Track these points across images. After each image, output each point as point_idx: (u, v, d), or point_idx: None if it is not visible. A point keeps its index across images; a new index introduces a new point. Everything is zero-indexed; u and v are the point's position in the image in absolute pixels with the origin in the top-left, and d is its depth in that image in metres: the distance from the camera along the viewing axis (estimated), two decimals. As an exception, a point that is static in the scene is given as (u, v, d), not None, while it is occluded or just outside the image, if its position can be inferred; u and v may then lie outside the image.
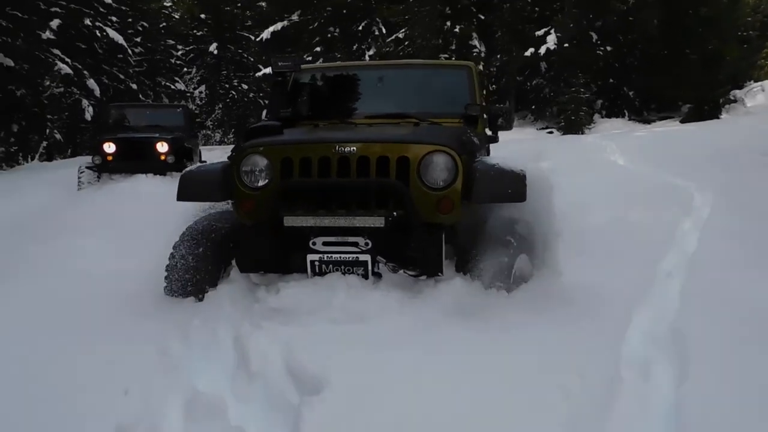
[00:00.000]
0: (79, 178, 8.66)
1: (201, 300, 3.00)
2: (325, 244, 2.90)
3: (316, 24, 20.44)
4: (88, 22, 20.37)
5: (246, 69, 26.93)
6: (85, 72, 19.60)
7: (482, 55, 18.36)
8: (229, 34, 27.56)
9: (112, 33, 21.28)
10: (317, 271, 2.91)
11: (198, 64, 28.00)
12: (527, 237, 3.12)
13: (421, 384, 2.01)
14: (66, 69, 18.28)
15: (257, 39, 21.42)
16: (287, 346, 2.27)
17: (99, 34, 20.96)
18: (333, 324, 2.54)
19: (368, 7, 19.90)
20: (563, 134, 17.40)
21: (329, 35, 20.39)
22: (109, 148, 8.72)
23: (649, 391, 2.24)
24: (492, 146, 4.62)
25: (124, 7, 22.78)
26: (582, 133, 17.36)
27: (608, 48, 19.62)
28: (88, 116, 19.13)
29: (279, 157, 3.03)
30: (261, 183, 3.04)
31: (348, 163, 2.92)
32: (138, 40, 23.35)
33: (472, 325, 2.53)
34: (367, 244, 2.87)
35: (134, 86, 21.99)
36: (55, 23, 19.44)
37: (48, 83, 18.87)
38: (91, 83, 19.58)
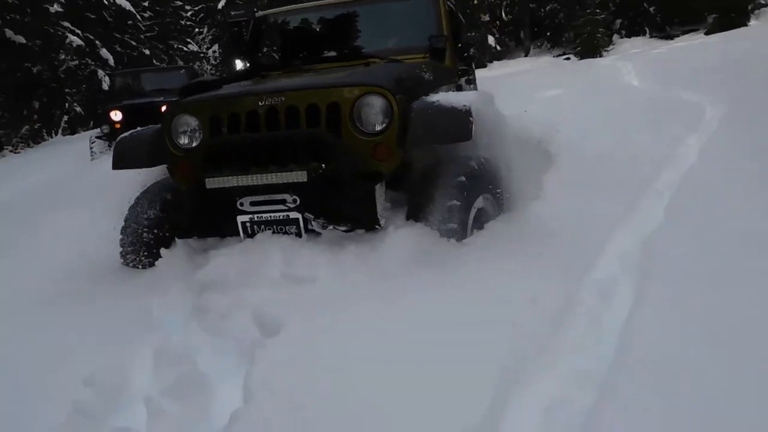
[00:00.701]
0: (90, 148, 8.79)
1: (151, 265, 2.87)
2: (253, 204, 2.71)
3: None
4: (96, -11, 20.24)
5: (257, 23, 26.47)
6: (97, 42, 19.62)
7: (492, -16, 17.66)
8: (238, -11, 27.03)
9: (119, 0, 21.13)
10: (249, 232, 2.73)
11: (208, 23, 27.70)
12: (487, 175, 2.92)
13: (362, 329, 1.99)
14: (78, 41, 18.33)
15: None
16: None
17: (106, 2, 20.82)
18: (273, 290, 2.37)
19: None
20: (580, 59, 16.76)
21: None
22: (116, 116, 8.79)
23: (603, 313, 2.20)
24: (491, 79, 4.43)
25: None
26: (600, 56, 16.68)
27: (625, -38, 18.57)
28: (105, 86, 19.24)
29: (207, 115, 2.87)
30: (194, 144, 2.90)
31: (277, 116, 2.74)
32: (146, 4, 23.13)
33: (420, 271, 2.39)
34: (295, 200, 2.67)
35: (147, 52, 21.94)
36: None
37: (63, 57, 19.00)
38: (104, 53, 19.62)
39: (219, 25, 27.61)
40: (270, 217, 2.68)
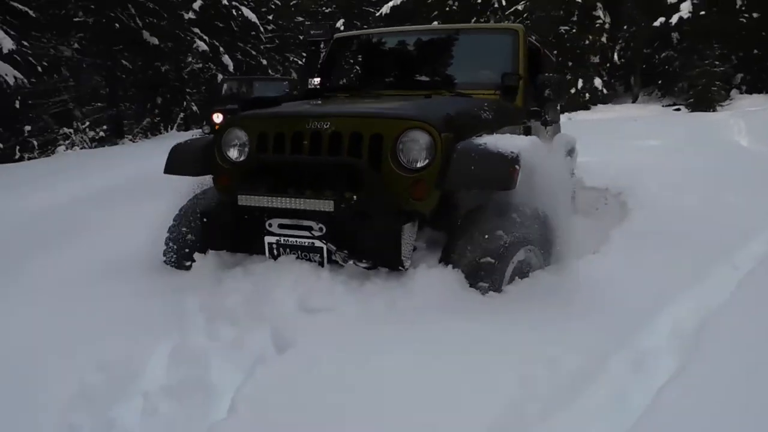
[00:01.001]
0: (191, 145, 9.32)
1: (187, 269, 2.88)
2: (281, 226, 2.64)
3: (434, -2, 20.14)
4: (225, 2, 21.60)
5: (369, 44, 27.21)
6: (221, 48, 20.87)
7: (606, 26, 17.09)
8: (357, 10, 27.98)
9: (246, 12, 22.43)
10: (274, 254, 2.67)
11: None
12: (533, 226, 2.72)
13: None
14: (203, 46, 19.62)
15: (377, 14, 21.54)
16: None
17: (235, 13, 22.17)
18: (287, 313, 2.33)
19: (489, -22, 19.24)
20: (691, 111, 15.82)
21: (447, 8, 20.00)
22: (217, 118, 9.30)
23: (630, 385, 2.01)
24: (591, 122, 4.22)
25: (259, -13, 23.91)
26: (713, 111, 15.68)
27: (754, 15, 17.40)
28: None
29: (256, 132, 2.84)
30: (241, 158, 2.89)
31: (321, 140, 2.66)
32: (270, 17, 24.43)
33: (439, 316, 2.26)
34: (321, 229, 2.57)
35: (264, 62, 23.11)
36: (197, 4, 20.84)
37: (189, 60, 20.39)
38: (226, 59, 20.84)
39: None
40: (296, 242, 2.62)
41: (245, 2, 23.03)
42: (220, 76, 21.56)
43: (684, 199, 5.14)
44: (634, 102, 17.39)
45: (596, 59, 17.01)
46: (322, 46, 3.96)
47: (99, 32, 15.87)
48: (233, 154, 2.91)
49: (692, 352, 2.25)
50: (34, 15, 14.11)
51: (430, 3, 20.27)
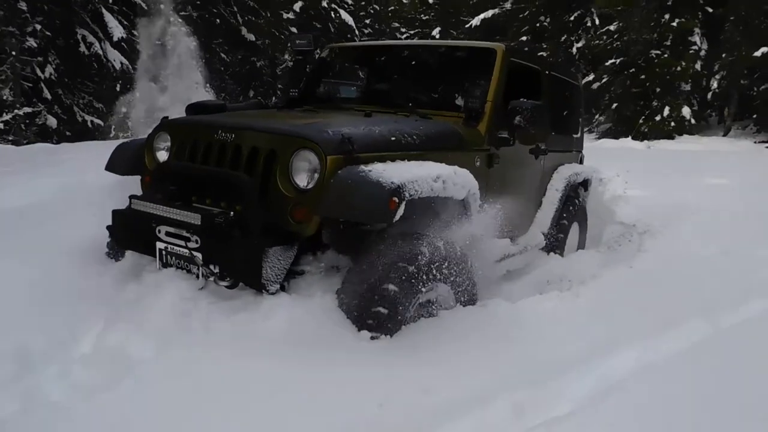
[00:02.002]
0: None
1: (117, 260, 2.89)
2: (167, 234, 2.55)
3: (527, 13, 19.57)
4: (324, 4, 22.17)
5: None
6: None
7: (702, 53, 15.88)
8: (454, 19, 27.78)
9: (344, 15, 22.91)
10: (164, 261, 2.59)
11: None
12: (446, 261, 2.55)
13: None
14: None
15: (467, 26, 21.28)
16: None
17: (333, 15, 22.71)
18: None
19: (585, -4, 18.47)
20: (788, 150, 14.35)
21: (538, 24, 19.40)
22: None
23: None
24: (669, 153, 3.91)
25: (359, -9, 24.35)
26: (813, 151, 14.15)
27: None
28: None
29: (178, 138, 2.83)
30: (161, 161, 2.88)
31: (225, 152, 2.61)
32: (367, 21, 24.80)
33: (283, 350, 2.15)
34: (196, 241, 2.45)
35: (356, 64, 23.52)
36: (297, 5, 21.52)
37: (283, 57, 21.12)
38: (319, 58, 21.43)
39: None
40: (179, 251, 2.53)
41: (344, 5, 23.52)
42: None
43: (707, 247, 4.69)
44: (725, 135, 16.05)
45: (687, 87, 15.86)
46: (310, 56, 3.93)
47: (201, 27, 16.74)
48: (160, 157, 2.91)
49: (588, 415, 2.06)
50: (145, 7, 15.15)
51: (522, 18, 19.75)
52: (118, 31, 13.93)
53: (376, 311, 2.35)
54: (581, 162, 5.06)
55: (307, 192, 2.42)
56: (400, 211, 2.30)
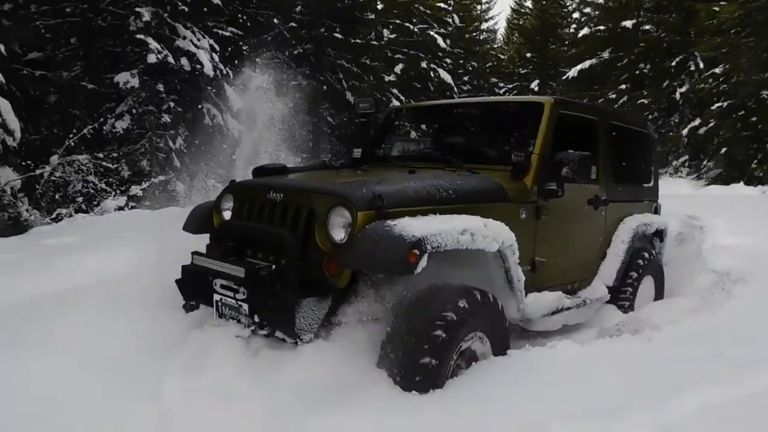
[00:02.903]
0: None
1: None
2: (222, 287, 2.74)
3: (625, 61, 19.11)
4: (424, 65, 23.02)
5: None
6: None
7: (822, 90, 14.60)
8: (552, 71, 27.66)
9: (443, 73, 23.62)
10: (219, 311, 2.78)
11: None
12: (479, 309, 2.64)
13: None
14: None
15: (564, 77, 21.10)
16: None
17: (432, 75, 23.48)
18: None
19: (686, 41, 17.76)
20: None
21: (638, 72, 18.84)
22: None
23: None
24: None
25: (457, 50, 25.03)
26: None
27: None
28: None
29: (239, 199, 3.05)
30: (225, 220, 3.12)
31: (275, 210, 2.81)
32: (465, 78, 25.35)
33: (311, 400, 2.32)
34: (243, 292, 2.62)
35: (455, 119, 23.99)
36: (398, 68, 22.53)
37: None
38: (419, 117, 22.13)
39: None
40: (230, 302, 2.70)
41: (443, 64, 24.25)
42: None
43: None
44: None
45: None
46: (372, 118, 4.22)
47: (310, 92, 18.02)
48: (225, 216, 3.14)
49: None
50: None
51: (620, 66, 19.30)
52: (237, 103, 15.40)
53: (424, 362, 2.42)
54: (657, 212, 4.94)
55: (341, 246, 2.57)
56: (423, 263, 2.40)
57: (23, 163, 11.93)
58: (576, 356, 3.00)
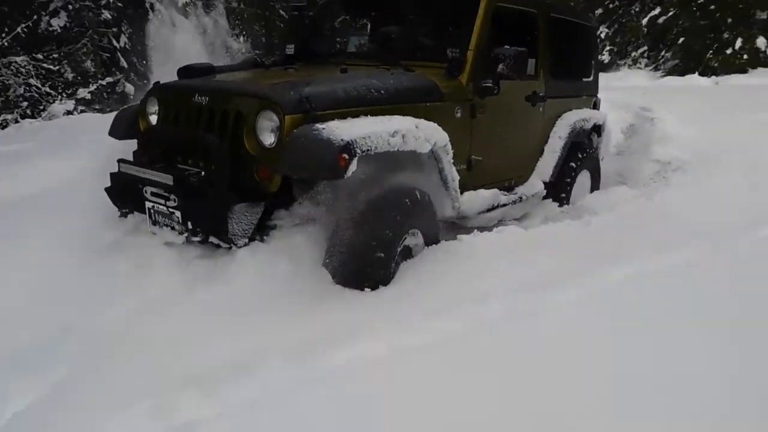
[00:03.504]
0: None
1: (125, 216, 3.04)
2: (152, 194, 2.69)
3: (589, -54, 18.17)
4: None
5: None
6: None
7: (781, -23, 14.30)
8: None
9: None
10: (152, 219, 2.74)
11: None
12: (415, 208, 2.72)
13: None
14: None
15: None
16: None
17: None
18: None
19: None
20: None
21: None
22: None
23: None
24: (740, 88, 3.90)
25: None
26: None
27: None
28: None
29: (164, 102, 2.94)
30: (151, 125, 3.01)
31: (200, 114, 2.72)
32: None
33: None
34: (174, 200, 2.58)
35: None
36: None
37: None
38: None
39: None
40: (163, 210, 2.66)
41: None
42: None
43: (736, 184, 4.49)
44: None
45: (763, 15, 14.43)
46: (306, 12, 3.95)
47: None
48: (151, 121, 3.02)
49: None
50: (207, -30, 15.37)
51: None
52: (180, -2, 14.35)
53: (375, 259, 2.52)
54: (596, 107, 4.92)
55: (270, 150, 2.51)
56: (353, 167, 2.37)
57: (-46, 67, 11.13)
58: (517, 239, 3.18)
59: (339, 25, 4.16)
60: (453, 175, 3.10)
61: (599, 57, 4.67)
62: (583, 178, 4.60)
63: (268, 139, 2.54)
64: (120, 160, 2.85)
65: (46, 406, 1.85)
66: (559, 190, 4.31)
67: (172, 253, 2.70)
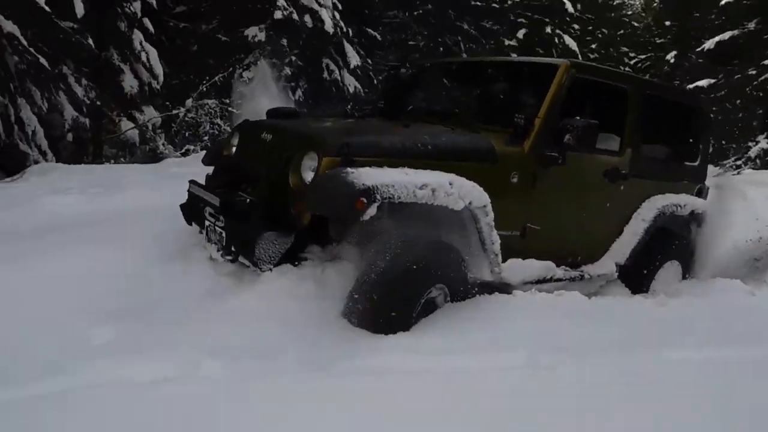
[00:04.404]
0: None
1: None
2: (210, 214, 2.94)
3: (774, 33, 16.63)
4: (548, 30, 21.74)
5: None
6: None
7: None
8: (694, 42, 24.81)
9: (568, 40, 22.20)
10: (208, 237, 3.00)
11: (652, 72, 26.33)
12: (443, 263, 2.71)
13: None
14: (516, 70, 20.29)
15: (698, 49, 18.85)
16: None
17: (557, 41, 22.14)
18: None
19: None
20: None
21: (787, 46, 16.33)
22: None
23: None
24: None
25: (588, 16, 23.26)
26: None
27: None
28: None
29: (243, 136, 3.26)
30: (230, 154, 3.34)
31: (264, 150, 2.96)
32: (593, 46, 23.51)
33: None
34: (222, 220, 2.81)
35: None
36: (521, 33, 21.51)
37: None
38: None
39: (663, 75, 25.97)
40: (213, 228, 2.93)
41: (570, 31, 22.74)
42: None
43: None
44: None
45: None
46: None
47: (427, 53, 17.88)
48: (231, 152, 3.35)
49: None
50: (380, 38, 16.84)
51: (765, 39, 16.81)
52: (354, 60, 15.76)
53: (392, 314, 2.55)
54: (701, 195, 4.46)
55: (308, 188, 2.66)
56: (371, 211, 2.45)
57: (165, 104, 13.28)
58: (571, 306, 3.12)
59: (430, 86, 4.38)
60: (493, 237, 3.04)
61: (711, 143, 4.30)
62: (672, 268, 4.17)
63: (308, 177, 2.70)
64: (191, 181, 3.20)
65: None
66: (637, 276, 3.96)
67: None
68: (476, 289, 3.02)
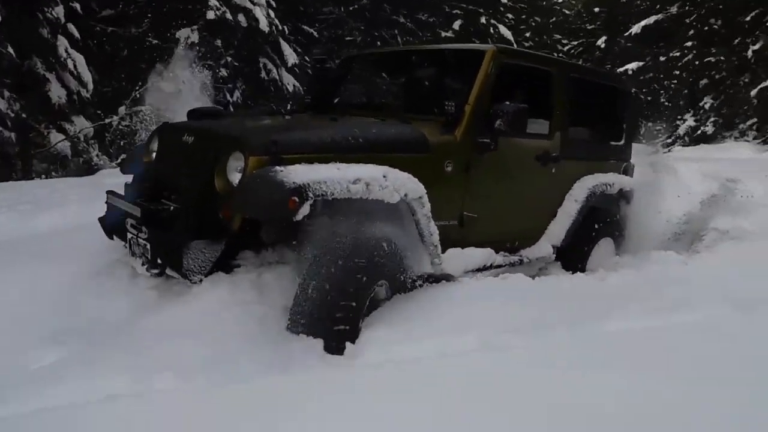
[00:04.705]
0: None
1: None
2: (132, 226, 2.74)
3: (694, 16, 17.47)
4: (483, 20, 22.08)
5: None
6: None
7: None
8: (623, 27, 25.78)
9: (503, 30, 22.60)
10: (132, 250, 2.77)
11: (584, 58, 27.21)
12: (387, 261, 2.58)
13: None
14: (453, 61, 20.55)
15: (626, 33, 19.62)
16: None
17: (492, 31, 22.52)
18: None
19: (765, -6, 15.98)
20: None
21: (706, 29, 17.20)
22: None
23: None
24: None
25: (520, 5, 23.77)
26: None
27: None
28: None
29: (162, 140, 3.05)
30: (150, 160, 3.11)
31: (186, 153, 2.78)
32: (527, 35, 24.06)
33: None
34: (145, 232, 2.60)
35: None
36: (457, 24, 21.77)
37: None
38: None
39: (595, 61, 26.87)
40: (136, 241, 2.71)
41: (504, 20, 23.16)
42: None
43: None
44: None
45: None
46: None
47: (364, 48, 17.84)
48: (151, 158, 3.12)
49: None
50: (316, 35, 16.67)
51: (687, 23, 17.67)
52: (292, 58, 15.53)
53: (342, 314, 2.38)
54: (627, 173, 4.60)
55: (235, 190, 2.48)
56: (304, 210, 2.32)
57: (96, 113, 12.70)
58: (518, 286, 3.17)
59: (358, 78, 4.32)
60: (431, 229, 2.95)
61: (636, 122, 4.44)
62: (605, 245, 4.29)
63: (235, 178, 2.53)
64: (108, 192, 2.99)
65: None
66: (573, 256, 4.06)
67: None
68: (419, 282, 2.92)
